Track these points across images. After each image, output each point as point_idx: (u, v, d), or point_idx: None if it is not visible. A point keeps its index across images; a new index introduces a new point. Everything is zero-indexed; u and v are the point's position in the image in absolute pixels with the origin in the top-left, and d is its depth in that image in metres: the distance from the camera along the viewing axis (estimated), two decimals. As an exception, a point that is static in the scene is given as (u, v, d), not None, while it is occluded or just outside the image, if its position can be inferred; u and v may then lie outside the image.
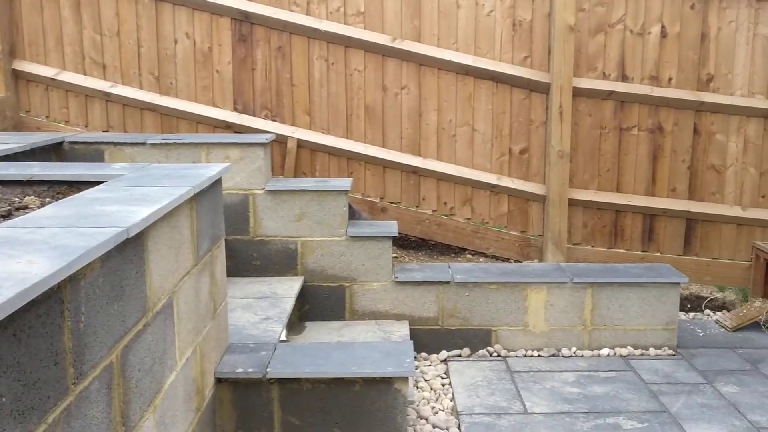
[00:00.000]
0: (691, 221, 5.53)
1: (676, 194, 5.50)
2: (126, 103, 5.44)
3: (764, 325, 5.03)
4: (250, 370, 2.99)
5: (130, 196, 2.34)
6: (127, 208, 2.15)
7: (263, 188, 4.44)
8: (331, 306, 4.54)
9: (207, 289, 2.84)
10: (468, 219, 5.58)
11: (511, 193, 5.53)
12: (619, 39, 5.33)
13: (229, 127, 5.42)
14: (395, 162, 5.45)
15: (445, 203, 5.56)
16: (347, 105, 5.43)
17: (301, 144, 5.42)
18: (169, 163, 3.21)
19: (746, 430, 3.62)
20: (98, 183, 2.64)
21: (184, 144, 4.39)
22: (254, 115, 5.45)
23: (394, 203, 5.54)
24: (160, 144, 4.38)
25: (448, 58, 5.31)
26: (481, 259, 5.56)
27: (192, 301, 2.63)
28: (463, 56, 5.33)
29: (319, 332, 4.35)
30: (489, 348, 4.55)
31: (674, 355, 4.56)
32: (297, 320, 4.49)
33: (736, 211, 5.49)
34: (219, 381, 3.00)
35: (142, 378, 2.12)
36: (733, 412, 3.81)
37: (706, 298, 5.47)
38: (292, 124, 5.45)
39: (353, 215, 4.80)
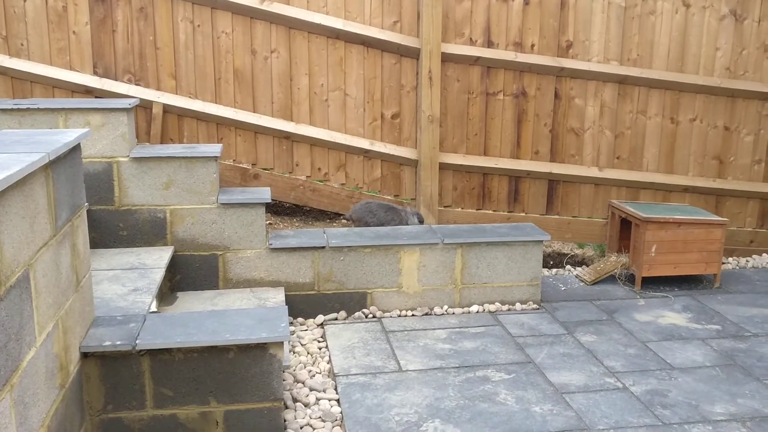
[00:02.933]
0: (553, 182, 5.81)
1: (539, 157, 5.75)
2: (-30, 65, 5.04)
3: (619, 278, 5.39)
4: (118, 342, 2.89)
5: (-25, 163, 2.18)
6: (-28, 176, 2.01)
7: (128, 155, 4.25)
8: (203, 275, 4.45)
9: (68, 260, 2.70)
10: (342, 184, 5.60)
11: (384, 157, 5.59)
12: (484, 5, 5.46)
13: (89, 92, 5.14)
14: (267, 127, 5.37)
15: (319, 169, 5.55)
16: (215, 69, 5.28)
17: (167, 109, 5.22)
18: (23, 129, 3.02)
19: (602, 375, 3.89)
20: (-61, 150, 2.44)
21: (39, 109, 4.12)
22: (116, 79, 5.19)
23: (267, 169, 5.47)
24: (12, 109, 4.09)
25: (318, 22, 5.26)
26: (348, 215, 5.59)
27: (52, 274, 2.50)
28: (333, 20, 5.29)
29: (192, 302, 4.26)
30: (365, 310, 4.62)
31: (538, 309, 4.81)
32: (168, 291, 4.38)
33: (594, 172, 5.82)
34: (85, 356, 2.88)
35: (-4, 355, 2.00)
36: (591, 360, 4.08)
37: (567, 254, 5.79)
38: (158, 89, 5.24)
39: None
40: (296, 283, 4.53)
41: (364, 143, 5.53)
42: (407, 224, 5.14)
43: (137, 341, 2.90)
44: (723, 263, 5.77)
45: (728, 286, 5.38)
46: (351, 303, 4.61)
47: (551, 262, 5.74)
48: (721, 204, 6.02)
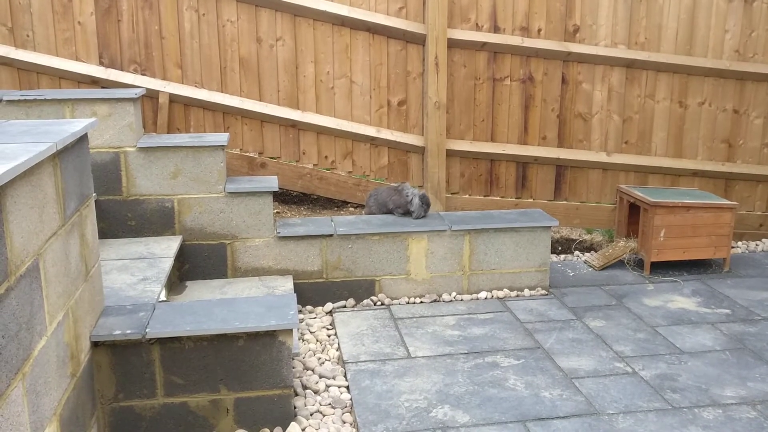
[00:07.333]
0: (560, 168, 5.79)
1: (547, 142, 5.73)
2: (-24, 57, 5.04)
3: (628, 263, 5.38)
4: (129, 331, 2.90)
5: (-17, 153, 2.18)
6: (-19, 166, 2.01)
7: (135, 145, 4.26)
8: (212, 264, 4.46)
9: (77, 250, 2.71)
10: (349, 172, 5.59)
11: (391, 145, 5.58)
12: (490, -10, 5.42)
13: (95, 82, 5.14)
14: (273, 116, 5.36)
15: (326, 157, 5.54)
16: (221, 57, 5.27)
17: (173, 99, 5.22)
18: (30, 120, 3.02)
19: (612, 360, 3.88)
20: (-53, 141, 2.44)
21: (46, 100, 4.12)
22: (122, 69, 5.19)
23: (274, 158, 5.47)
24: (19, 101, 4.10)
25: (323, 9, 5.24)
26: (363, 212, 5.59)
27: (61, 263, 2.51)
28: (338, 6, 5.27)
29: (201, 291, 4.27)
30: (373, 297, 4.63)
31: (547, 294, 4.81)
32: (177, 280, 4.39)
33: (602, 157, 5.79)
34: (96, 345, 2.90)
35: (6, 345, 2.01)
36: (601, 345, 4.07)
37: (575, 240, 5.77)
38: (164, 78, 5.23)
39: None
40: (304, 272, 4.54)
41: (370, 131, 5.52)
42: (410, 203, 4.74)
43: (147, 330, 2.91)
44: (732, 247, 5.75)
45: (738, 270, 5.36)
46: (359, 290, 4.62)
47: (560, 248, 5.73)
48: (731, 188, 5.98)
